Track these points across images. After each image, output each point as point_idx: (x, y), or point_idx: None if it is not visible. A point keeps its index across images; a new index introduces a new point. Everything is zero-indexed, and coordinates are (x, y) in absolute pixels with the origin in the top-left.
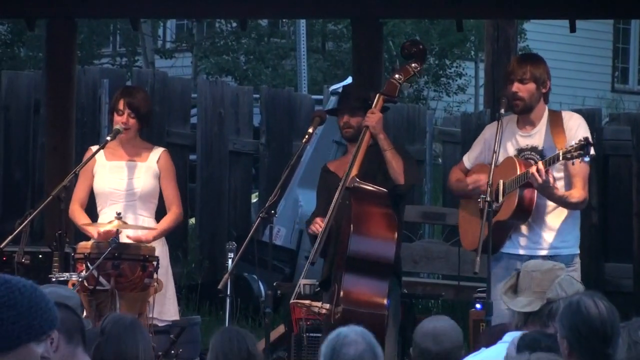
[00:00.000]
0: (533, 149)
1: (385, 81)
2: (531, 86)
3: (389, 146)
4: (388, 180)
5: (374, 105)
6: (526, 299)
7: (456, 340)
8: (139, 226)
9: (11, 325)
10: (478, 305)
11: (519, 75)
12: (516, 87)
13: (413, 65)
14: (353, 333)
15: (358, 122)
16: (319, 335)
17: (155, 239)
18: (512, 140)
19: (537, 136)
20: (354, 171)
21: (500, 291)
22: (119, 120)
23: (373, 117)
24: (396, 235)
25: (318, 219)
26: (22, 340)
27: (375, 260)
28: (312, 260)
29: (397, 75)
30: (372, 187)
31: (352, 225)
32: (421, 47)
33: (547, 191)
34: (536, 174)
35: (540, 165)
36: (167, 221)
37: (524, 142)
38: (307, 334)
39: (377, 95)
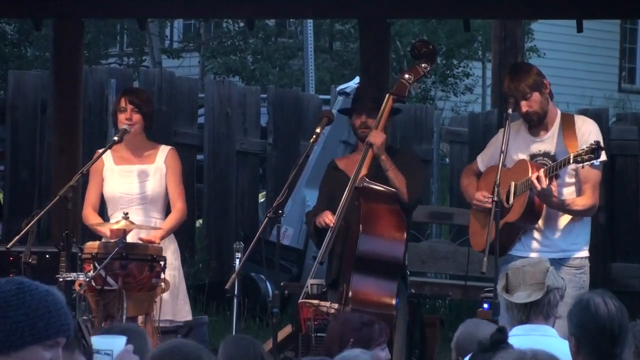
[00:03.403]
0: (545, 154)
1: (394, 81)
2: (536, 96)
3: (390, 166)
4: None
5: (383, 104)
6: (524, 292)
7: None
8: (145, 226)
9: (14, 325)
10: (485, 305)
11: (521, 95)
12: (525, 105)
13: (423, 65)
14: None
15: (374, 123)
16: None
17: (162, 238)
18: (524, 146)
19: (549, 141)
20: (364, 171)
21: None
22: (123, 117)
23: (379, 137)
24: (405, 235)
25: (328, 212)
26: (26, 341)
27: (384, 260)
28: (320, 260)
29: (406, 76)
30: (382, 186)
31: (361, 225)
32: (431, 47)
33: (547, 199)
34: (535, 182)
35: (541, 173)
36: (171, 219)
37: (537, 147)
38: (315, 334)
39: (387, 95)
